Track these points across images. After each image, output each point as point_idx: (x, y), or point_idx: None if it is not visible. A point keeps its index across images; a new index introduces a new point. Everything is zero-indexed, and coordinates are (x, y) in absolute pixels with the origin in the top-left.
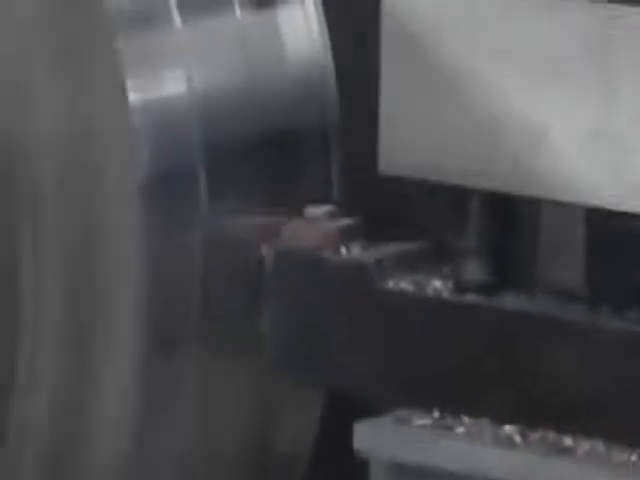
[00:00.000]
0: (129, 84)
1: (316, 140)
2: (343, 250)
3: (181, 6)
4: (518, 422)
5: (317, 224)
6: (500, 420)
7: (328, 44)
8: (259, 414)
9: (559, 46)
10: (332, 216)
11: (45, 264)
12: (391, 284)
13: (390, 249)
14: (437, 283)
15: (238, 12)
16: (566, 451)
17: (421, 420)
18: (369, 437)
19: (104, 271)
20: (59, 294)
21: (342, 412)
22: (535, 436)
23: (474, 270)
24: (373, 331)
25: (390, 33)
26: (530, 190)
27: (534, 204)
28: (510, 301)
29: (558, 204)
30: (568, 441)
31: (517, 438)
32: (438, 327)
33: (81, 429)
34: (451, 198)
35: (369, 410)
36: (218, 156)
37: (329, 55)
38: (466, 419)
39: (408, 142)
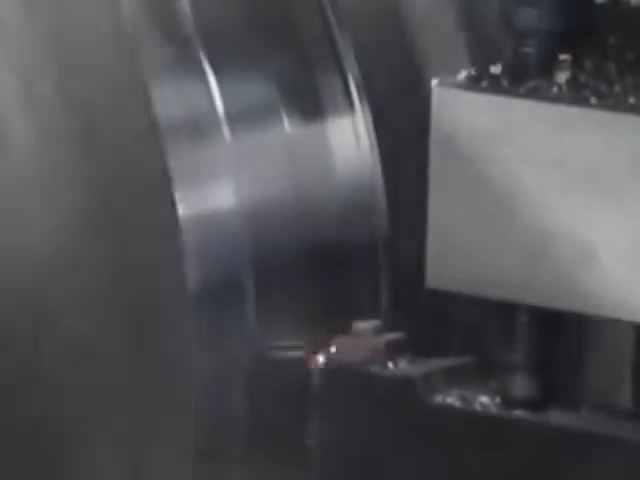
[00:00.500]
0: (178, 198)
1: (364, 254)
2: (390, 365)
3: (229, 119)
4: None
5: (365, 339)
6: None
7: (378, 157)
8: None
9: (608, 161)
10: (379, 331)
11: None
12: (439, 399)
13: (437, 363)
14: (484, 398)
15: (287, 124)
16: None
17: None
18: None
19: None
20: None
21: None
22: None
23: (522, 385)
24: (421, 446)
25: (438, 146)
26: (577, 306)
27: (582, 320)
28: (557, 417)
29: (606, 320)
30: None
31: None
32: (486, 442)
33: None
34: (499, 313)
35: None
36: (266, 270)
37: (378, 168)
38: None
39: (456, 256)
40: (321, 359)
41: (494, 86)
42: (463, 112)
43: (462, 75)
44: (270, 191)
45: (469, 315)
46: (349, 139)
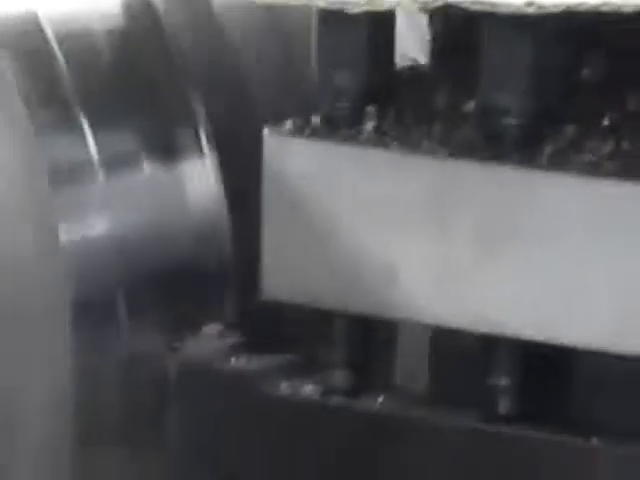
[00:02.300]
0: (61, 228)
1: (213, 272)
2: (233, 361)
3: (103, 165)
4: None
5: (212, 340)
6: None
7: (223, 194)
8: None
9: (407, 198)
10: (224, 334)
11: None
12: (270, 389)
13: (271, 360)
14: (309, 388)
15: (147, 168)
16: None
17: None
18: None
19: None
20: None
21: None
22: None
23: (340, 377)
24: (257, 433)
25: (270, 186)
26: (384, 313)
27: (390, 324)
28: (365, 403)
29: (407, 323)
30: None
31: None
32: (308, 426)
33: None
34: (323, 319)
35: None
36: (134, 287)
37: (224, 203)
38: None
39: (286, 274)
40: (176, 357)
41: (315, 134)
42: (290, 157)
43: (288, 124)
44: (135, 223)
45: (299, 320)
46: (200, 180)
